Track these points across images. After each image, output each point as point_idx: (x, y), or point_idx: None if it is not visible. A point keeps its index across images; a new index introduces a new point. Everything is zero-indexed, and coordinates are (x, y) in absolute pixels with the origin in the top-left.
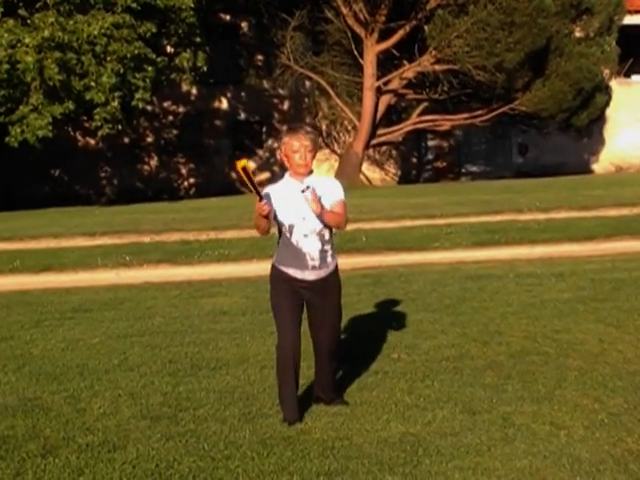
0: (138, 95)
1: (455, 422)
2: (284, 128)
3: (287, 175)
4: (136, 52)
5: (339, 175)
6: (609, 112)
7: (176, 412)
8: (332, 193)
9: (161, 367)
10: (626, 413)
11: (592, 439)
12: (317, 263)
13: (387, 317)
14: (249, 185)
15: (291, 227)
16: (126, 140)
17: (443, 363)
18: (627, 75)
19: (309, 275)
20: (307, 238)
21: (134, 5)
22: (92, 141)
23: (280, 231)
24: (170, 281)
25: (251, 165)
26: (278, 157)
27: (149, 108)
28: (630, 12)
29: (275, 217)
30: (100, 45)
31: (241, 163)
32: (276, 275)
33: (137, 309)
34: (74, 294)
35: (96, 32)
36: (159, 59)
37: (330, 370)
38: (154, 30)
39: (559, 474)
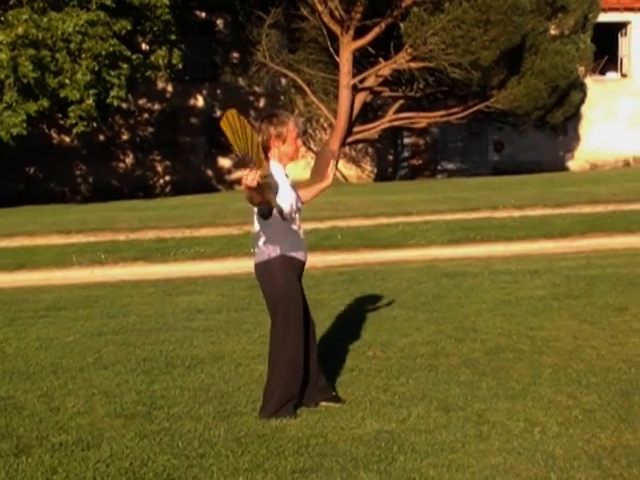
0: (113, 92)
1: (430, 419)
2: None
3: (271, 162)
4: (111, 49)
5: (315, 172)
6: (584, 109)
7: (150, 410)
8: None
9: (135, 365)
10: (600, 409)
11: (566, 435)
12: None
13: (362, 314)
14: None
15: (294, 208)
16: (101, 138)
17: (418, 360)
18: (602, 72)
19: (305, 257)
20: (299, 222)
21: (109, 2)
22: (67, 139)
23: (264, 218)
24: (145, 279)
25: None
26: (264, 141)
27: (124, 105)
28: (604, 10)
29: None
30: (75, 42)
31: (231, 114)
32: (288, 263)
33: (112, 307)
34: (48, 292)
35: (70, 29)
36: (134, 56)
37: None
38: (129, 27)
39: (533, 470)
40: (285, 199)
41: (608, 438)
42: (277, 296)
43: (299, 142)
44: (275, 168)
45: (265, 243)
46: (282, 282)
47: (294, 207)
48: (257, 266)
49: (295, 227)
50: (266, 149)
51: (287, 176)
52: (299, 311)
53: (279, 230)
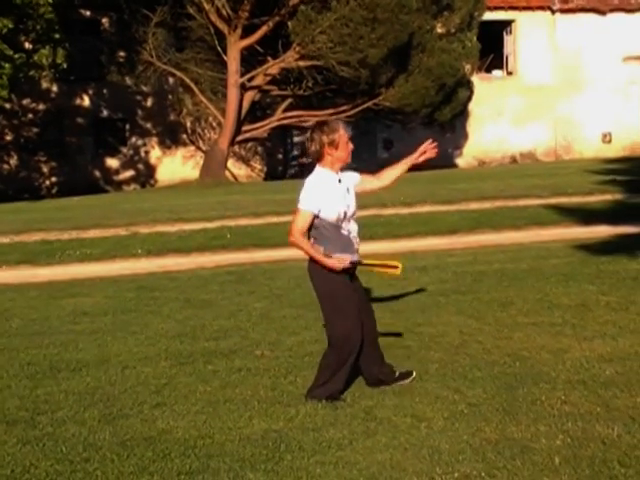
0: None
1: (317, 417)
2: (148, 125)
3: (321, 169)
4: None
5: (204, 172)
6: (471, 107)
7: (33, 415)
8: (352, 177)
9: (19, 370)
10: (485, 403)
11: (452, 430)
12: (358, 245)
13: (251, 314)
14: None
15: (342, 216)
16: None
17: (306, 359)
18: (488, 70)
19: (355, 258)
20: (351, 223)
21: None
22: None
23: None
24: (30, 282)
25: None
26: (317, 149)
27: (7, 106)
28: (490, 8)
29: (317, 216)
30: None
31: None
32: None
33: None
34: None
35: None
36: (17, 56)
37: (381, 351)
38: (11, 26)
39: (419, 465)
40: (333, 208)
41: (492, 431)
42: (320, 293)
43: (350, 146)
44: (328, 175)
45: (314, 244)
46: (324, 281)
47: (341, 215)
48: (308, 262)
49: (345, 231)
50: (320, 157)
51: (340, 181)
52: (348, 304)
53: (327, 233)
